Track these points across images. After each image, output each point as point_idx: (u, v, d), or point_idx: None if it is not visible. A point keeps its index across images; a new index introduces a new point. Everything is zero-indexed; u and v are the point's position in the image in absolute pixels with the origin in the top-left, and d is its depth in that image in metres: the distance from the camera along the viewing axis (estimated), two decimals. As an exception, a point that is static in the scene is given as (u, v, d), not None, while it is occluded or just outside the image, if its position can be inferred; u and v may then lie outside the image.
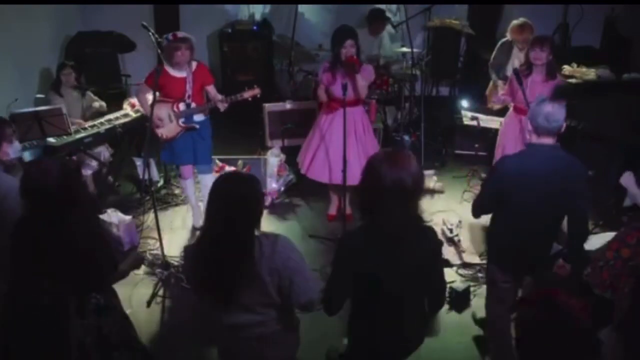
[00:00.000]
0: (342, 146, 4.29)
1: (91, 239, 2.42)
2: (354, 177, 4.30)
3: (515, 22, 4.97)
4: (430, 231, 2.23)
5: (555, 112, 2.78)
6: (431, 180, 5.30)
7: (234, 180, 2.24)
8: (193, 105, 4.24)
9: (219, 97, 4.24)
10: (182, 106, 4.23)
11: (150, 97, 4.12)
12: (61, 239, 2.32)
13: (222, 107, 4.21)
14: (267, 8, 7.01)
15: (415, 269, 2.16)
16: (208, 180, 4.54)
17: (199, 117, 4.31)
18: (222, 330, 2.31)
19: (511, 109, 4.42)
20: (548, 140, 2.82)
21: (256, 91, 4.27)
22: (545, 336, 1.70)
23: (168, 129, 4.27)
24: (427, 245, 2.19)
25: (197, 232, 4.64)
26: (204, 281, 2.18)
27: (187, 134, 4.31)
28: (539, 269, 3.03)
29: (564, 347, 1.70)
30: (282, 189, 5.20)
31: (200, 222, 4.74)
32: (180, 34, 4.11)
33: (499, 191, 2.84)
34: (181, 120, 4.25)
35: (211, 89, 4.30)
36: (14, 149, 3.17)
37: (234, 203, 2.09)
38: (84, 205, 2.48)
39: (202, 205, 4.53)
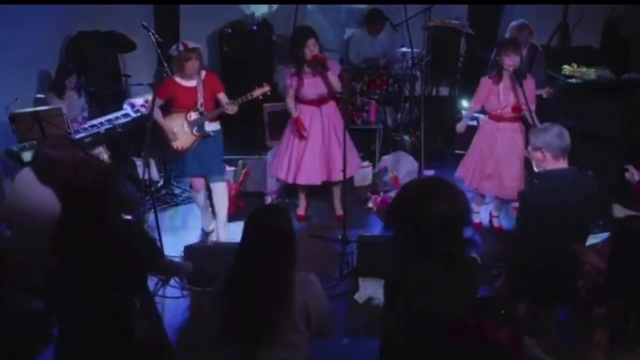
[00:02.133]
0: (326, 145, 4.45)
1: (130, 234, 2.40)
2: (339, 172, 4.41)
3: (513, 23, 4.97)
4: (474, 264, 2.15)
5: (563, 130, 2.89)
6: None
7: (273, 213, 2.23)
8: (205, 113, 4.22)
9: (227, 101, 4.22)
10: (194, 115, 4.20)
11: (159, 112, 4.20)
12: (101, 237, 2.27)
13: (231, 110, 4.18)
14: (274, 7, 7.01)
15: (453, 297, 2.06)
16: (219, 187, 4.50)
17: (210, 127, 4.29)
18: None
19: (485, 117, 4.41)
20: (564, 163, 2.89)
21: (266, 89, 4.24)
22: None
23: (183, 139, 4.25)
24: (470, 280, 2.12)
25: (208, 236, 4.66)
26: (236, 319, 2.12)
27: (199, 145, 4.28)
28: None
29: None
30: (282, 188, 5.20)
31: (210, 227, 4.73)
32: (190, 44, 4.09)
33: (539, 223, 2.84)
34: (195, 129, 4.24)
35: (222, 97, 4.27)
36: None
37: (276, 238, 2.09)
38: (121, 203, 2.46)
39: (220, 215, 4.53)
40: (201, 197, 4.59)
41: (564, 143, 2.87)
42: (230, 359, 2.30)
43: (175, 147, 4.29)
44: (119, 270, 2.29)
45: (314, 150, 4.49)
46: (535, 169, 3.00)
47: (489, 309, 2.12)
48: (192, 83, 4.17)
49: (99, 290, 2.26)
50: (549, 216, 2.81)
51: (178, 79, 4.16)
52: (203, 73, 4.22)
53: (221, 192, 4.51)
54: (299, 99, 4.47)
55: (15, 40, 5.00)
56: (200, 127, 4.24)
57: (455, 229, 1.94)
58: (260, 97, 4.28)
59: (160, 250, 2.68)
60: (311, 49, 4.19)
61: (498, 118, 4.23)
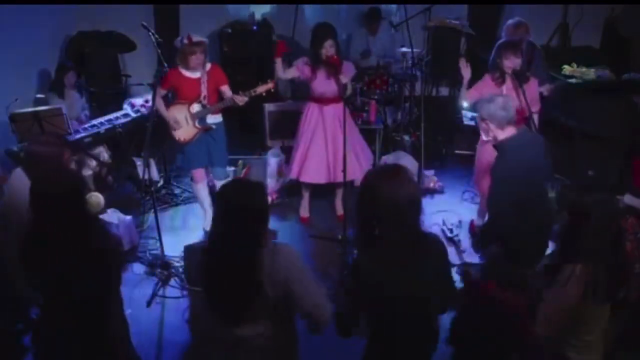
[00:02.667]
0: (330, 145, 4.40)
1: (104, 240, 2.40)
2: (339, 174, 4.36)
3: (510, 21, 4.96)
4: (434, 238, 2.22)
5: (507, 99, 3.00)
6: (431, 180, 5.30)
7: (236, 187, 2.18)
8: (208, 106, 4.22)
9: (231, 95, 4.20)
10: (196, 107, 4.21)
11: (162, 100, 4.21)
12: (75, 243, 2.26)
13: (241, 101, 4.15)
14: (274, 8, 7.00)
15: (427, 278, 2.11)
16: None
17: (212, 119, 4.29)
18: (219, 343, 2.24)
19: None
20: (512, 130, 2.98)
21: (270, 85, 4.23)
22: (478, 325, 1.80)
23: (185, 131, 4.25)
24: (434, 252, 2.16)
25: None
26: (210, 293, 2.15)
27: (201, 137, 4.28)
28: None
29: (494, 334, 1.79)
30: (282, 188, 5.20)
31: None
32: (195, 37, 4.10)
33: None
34: (197, 122, 4.24)
35: (226, 89, 4.27)
36: None
37: (235, 212, 2.05)
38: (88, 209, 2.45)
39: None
40: (201, 188, 4.57)
41: (508, 114, 2.93)
42: (213, 339, 2.30)
43: (177, 138, 4.28)
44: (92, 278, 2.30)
45: (317, 149, 4.48)
46: (484, 138, 3.11)
47: (501, 273, 2.13)
48: (196, 75, 4.17)
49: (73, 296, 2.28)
50: (519, 180, 2.90)
51: (183, 70, 4.17)
52: (208, 65, 4.23)
53: None
54: (310, 95, 4.47)
55: (15, 40, 5.00)
56: (202, 119, 4.24)
57: (408, 210, 2.01)
58: (264, 94, 4.25)
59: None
60: (327, 50, 4.18)
61: None
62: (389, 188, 1.99)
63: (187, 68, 4.13)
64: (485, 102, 3.01)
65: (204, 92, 4.17)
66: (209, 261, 2.14)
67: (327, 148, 4.46)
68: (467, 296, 1.91)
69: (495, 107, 2.94)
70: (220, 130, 4.37)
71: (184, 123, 4.22)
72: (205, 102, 4.20)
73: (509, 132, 2.98)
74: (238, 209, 2.06)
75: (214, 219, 2.16)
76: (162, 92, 4.22)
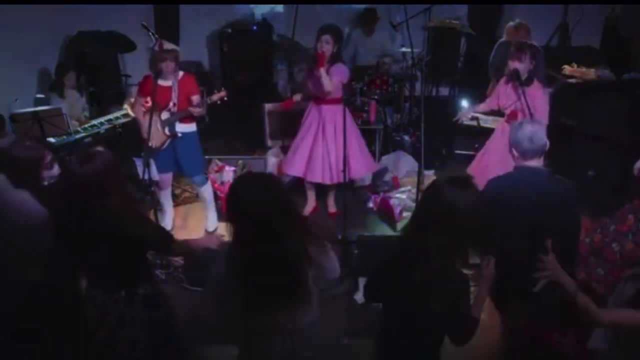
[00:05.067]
0: (327, 145, 4.43)
1: (130, 225, 2.38)
2: (316, 173, 4.47)
3: (510, 23, 4.96)
4: (465, 276, 2.12)
5: (538, 131, 2.70)
6: (431, 180, 5.30)
7: (257, 184, 2.08)
8: (175, 113, 4.24)
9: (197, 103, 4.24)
10: (165, 114, 4.23)
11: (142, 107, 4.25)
12: (97, 229, 2.29)
13: (195, 112, 4.20)
14: (274, 8, 7.00)
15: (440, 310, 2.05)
16: (204, 191, 4.57)
17: (184, 128, 4.30)
18: (258, 333, 2.22)
19: (505, 118, 4.30)
20: (535, 162, 2.72)
21: (222, 94, 4.23)
22: None
23: (156, 138, 4.26)
24: (462, 286, 2.09)
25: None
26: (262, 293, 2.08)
27: (170, 145, 4.31)
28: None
29: None
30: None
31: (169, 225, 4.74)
32: (166, 45, 4.13)
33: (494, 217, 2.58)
34: (166, 129, 4.25)
35: (196, 100, 4.27)
36: (50, 175, 2.81)
37: (270, 209, 1.99)
38: (120, 195, 2.43)
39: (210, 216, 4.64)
40: (163, 194, 4.63)
41: (537, 145, 2.66)
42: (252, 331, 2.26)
43: (150, 145, 4.27)
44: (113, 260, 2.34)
45: (319, 149, 4.49)
46: (512, 161, 2.83)
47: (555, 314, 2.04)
48: (168, 83, 4.20)
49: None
50: (503, 214, 2.61)
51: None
52: (180, 74, 4.25)
53: (207, 194, 4.59)
54: (310, 95, 4.50)
55: (16, 40, 5.00)
56: (172, 127, 4.26)
57: (461, 222, 1.95)
58: (219, 102, 4.24)
59: (167, 234, 2.69)
60: (322, 45, 4.18)
61: (514, 116, 3.95)
62: (454, 193, 1.96)
63: (159, 75, 4.14)
64: (515, 128, 2.75)
65: (173, 99, 4.19)
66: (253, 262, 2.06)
67: (327, 148, 4.47)
68: (523, 344, 1.86)
69: (521, 136, 2.67)
70: (192, 138, 4.38)
71: (155, 130, 4.22)
72: (174, 109, 4.22)
73: (533, 164, 2.71)
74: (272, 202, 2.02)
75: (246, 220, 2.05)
76: (140, 99, 4.26)
